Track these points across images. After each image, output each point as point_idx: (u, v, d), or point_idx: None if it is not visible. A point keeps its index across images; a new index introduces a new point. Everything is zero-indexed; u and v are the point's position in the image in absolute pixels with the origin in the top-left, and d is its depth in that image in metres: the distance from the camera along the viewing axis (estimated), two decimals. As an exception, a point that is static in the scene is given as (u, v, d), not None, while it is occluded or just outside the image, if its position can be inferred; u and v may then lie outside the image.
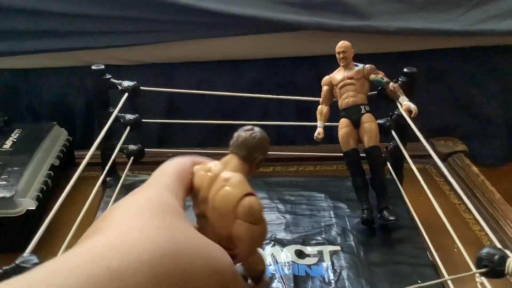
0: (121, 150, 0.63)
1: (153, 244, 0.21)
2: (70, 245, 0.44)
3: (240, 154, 0.33)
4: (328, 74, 0.61)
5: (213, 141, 0.93)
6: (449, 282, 0.43)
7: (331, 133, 0.61)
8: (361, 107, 0.58)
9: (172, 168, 0.31)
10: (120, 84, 0.61)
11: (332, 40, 0.59)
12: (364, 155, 0.58)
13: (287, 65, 0.91)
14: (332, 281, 0.50)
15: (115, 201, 0.57)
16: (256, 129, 0.35)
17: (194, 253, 0.23)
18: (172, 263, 0.21)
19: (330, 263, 0.53)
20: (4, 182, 0.63)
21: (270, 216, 0.62)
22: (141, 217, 0.24)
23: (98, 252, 0.20)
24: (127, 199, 0.27)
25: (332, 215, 0.62)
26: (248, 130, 0.34)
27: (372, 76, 0.58)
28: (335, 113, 0.60)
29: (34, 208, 0.62)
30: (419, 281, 0.50)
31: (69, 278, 0.18)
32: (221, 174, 0.32)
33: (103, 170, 0.63)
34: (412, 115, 0.54)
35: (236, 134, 0.34)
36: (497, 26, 0.83)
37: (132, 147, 0.66)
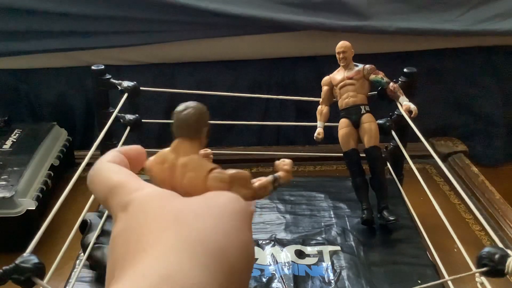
0: (121, 150, 0.63)
1: None
2: (70, 245, 0.44)
3: (186, 135, 0.32)
4: (328, 74, 0.61)
5: (213, 141, 0.93)
6: (449, 282, 0.43)
7: (331, 133, 0.61)
8: (361, 107, 0.58)
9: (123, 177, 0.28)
10: (120, 84, 0.61)
11: (332, 40, 0.59)
12: (364, 155, 0.58)
13: (287, 65, 0.91)
14: (332, 281, 0.50)
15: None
16: (188, 104, 0.33)
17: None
18: None
19: (330, 263, 0.53)
20: (4, 182, 0.63)
21: (270, 216, 0.62)
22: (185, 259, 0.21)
23: None
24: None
25: (332, 215, 0.62)
26: (181, 110, 0.32)
27: (372, 76, 0.58)
28: (335, 113, 0.60)
29: (34, 208, 0.62)
30: (419, 281, 0.50)
31: None
32: (177, 162, 0.32)
33: (103, 170, 0.63)
34: (412, 115, 0.54)
35: (174, 118, 0.33)
36: (497, 26, 0.83)
37: (132, 147, 0.66)
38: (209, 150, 0.43)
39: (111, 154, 0.31)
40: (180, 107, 0.32)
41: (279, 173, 0.39)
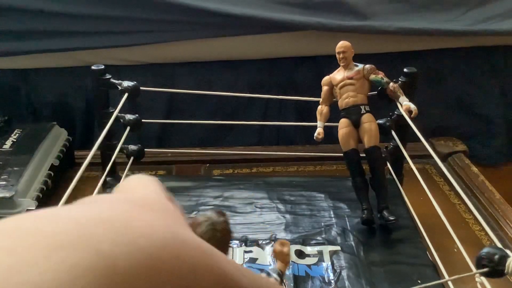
0: (121, 150, 0.63)
1: (154, 231, 0.17)
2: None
3: None
4: (328, 74, 0.61)
5: (213, 141, 0.93)
6: (449, 282, 0.43)
7: (331, 133, 0.61)
8: (361, 107, 0.58)
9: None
10: (120, 84, 0.61)
11: (332, 40, 0.59)
12: (364, 155, 0.58)
13: (287, 65, 0.91)
14: (332, 281, 0.50)
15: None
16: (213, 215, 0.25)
17: (200, 256, 0.18)
18: (174, 260, 0.16)
19: (330, 263, 0.53)
20: (4, 182, 0.63)
21: (270, 216, 0.62)
22: (139, 208, 0.19)
23: (87, 227, 0.15)
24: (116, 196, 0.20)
25: (332, 215, 0.62)
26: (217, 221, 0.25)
27: (372, 76, 0.58)
28: (335, 113, 0.60)
29: (34, 208, 0.62)
30: (419, 281, 0.50)
31: (44, 263, 0.14)
32: None
33: (104, 170, 0.63)
34: (412, 115, 0.54)
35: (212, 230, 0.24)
36: (497, 26, 0.83)
37: (132, 147, 0.66)
38: None
39: None
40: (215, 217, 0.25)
41: (278, 266, 0.37)
